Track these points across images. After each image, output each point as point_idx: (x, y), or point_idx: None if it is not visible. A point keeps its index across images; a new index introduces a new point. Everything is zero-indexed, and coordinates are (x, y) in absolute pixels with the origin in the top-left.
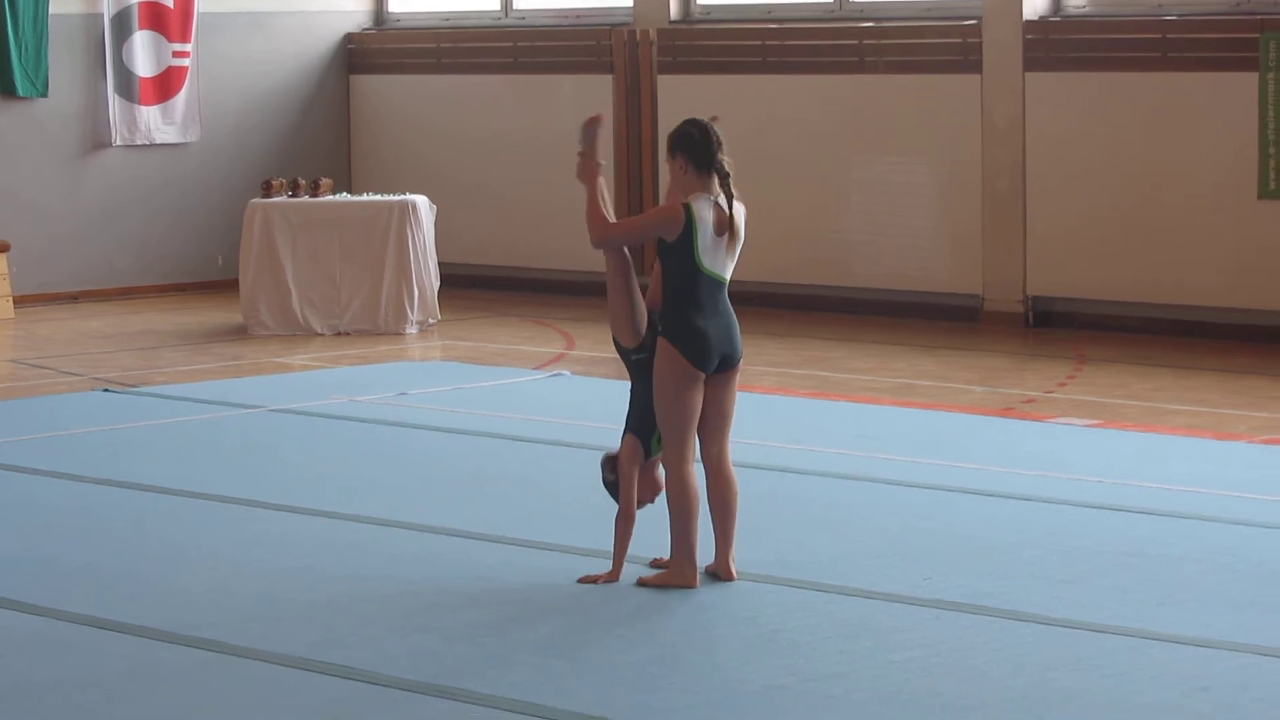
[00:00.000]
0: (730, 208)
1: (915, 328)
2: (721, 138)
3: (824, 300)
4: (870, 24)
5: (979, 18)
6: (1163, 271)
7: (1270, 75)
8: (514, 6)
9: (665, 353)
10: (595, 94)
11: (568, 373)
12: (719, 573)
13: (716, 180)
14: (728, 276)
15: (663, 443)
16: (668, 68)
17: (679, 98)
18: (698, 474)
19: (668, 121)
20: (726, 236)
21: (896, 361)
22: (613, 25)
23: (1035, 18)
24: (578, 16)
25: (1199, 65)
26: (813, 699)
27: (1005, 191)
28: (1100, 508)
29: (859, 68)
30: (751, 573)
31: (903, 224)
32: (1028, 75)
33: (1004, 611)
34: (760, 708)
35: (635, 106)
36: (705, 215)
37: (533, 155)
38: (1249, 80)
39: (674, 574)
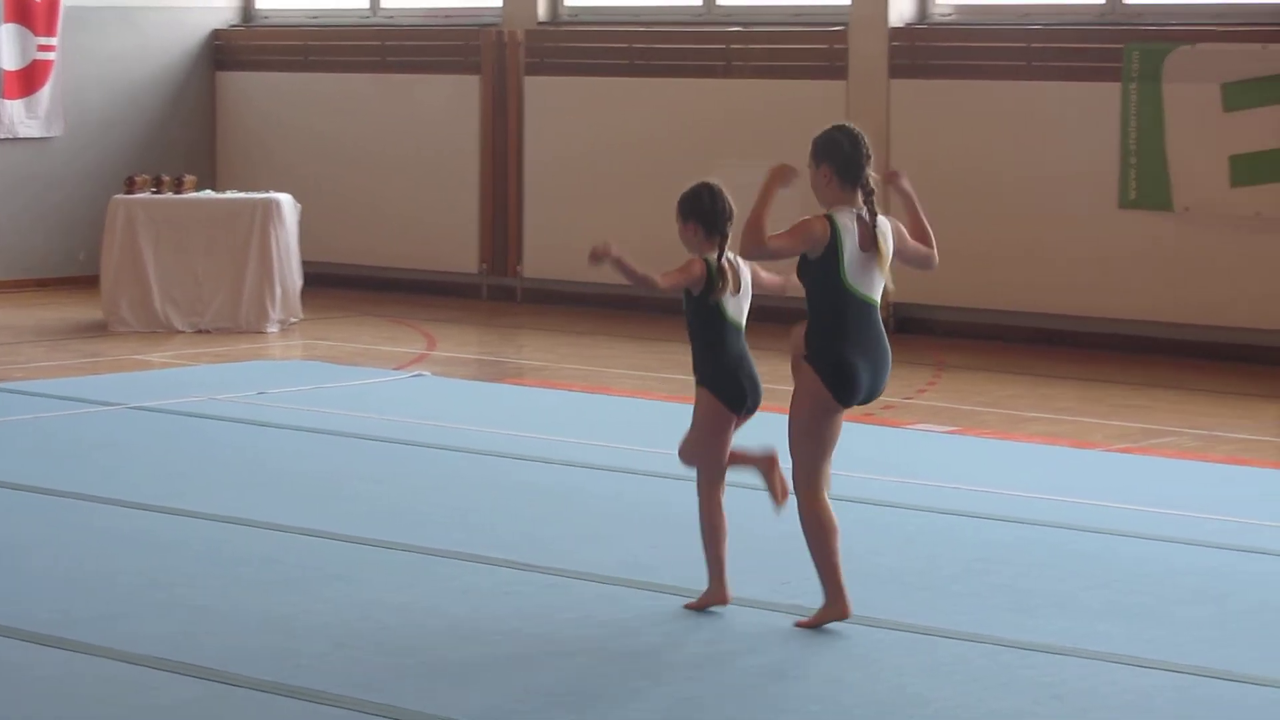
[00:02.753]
0: (874, 224)
1: (776, 333)
2: (871, 150)
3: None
4: (737, 28)
5: (845, 24)
6: (1024, 279)
7: (1133, 86)
8: (382, 5)
9: (808, 379)
10: (462, 94)
11: (428, 373)
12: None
13: (860, 195)
14: (878, 298)
15: (794, 473)
16: (535, 69)
17: (546, 99)
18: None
19: (534, 123)
20: (875, 254)
21: (758, 368)
22: (481, 25)
23: (902, 25)
24: (446, 16)
25: (1063, 75)
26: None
27: None
28: (957, 514)
29: (725, 72)
30: (601, 575)
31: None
32: (893, 83)
33: (859, 618)
34: None
35: (502, 108)
36: (851, 228)
37: (399, 155)
38: (1112, 90)
39: (827, 610)
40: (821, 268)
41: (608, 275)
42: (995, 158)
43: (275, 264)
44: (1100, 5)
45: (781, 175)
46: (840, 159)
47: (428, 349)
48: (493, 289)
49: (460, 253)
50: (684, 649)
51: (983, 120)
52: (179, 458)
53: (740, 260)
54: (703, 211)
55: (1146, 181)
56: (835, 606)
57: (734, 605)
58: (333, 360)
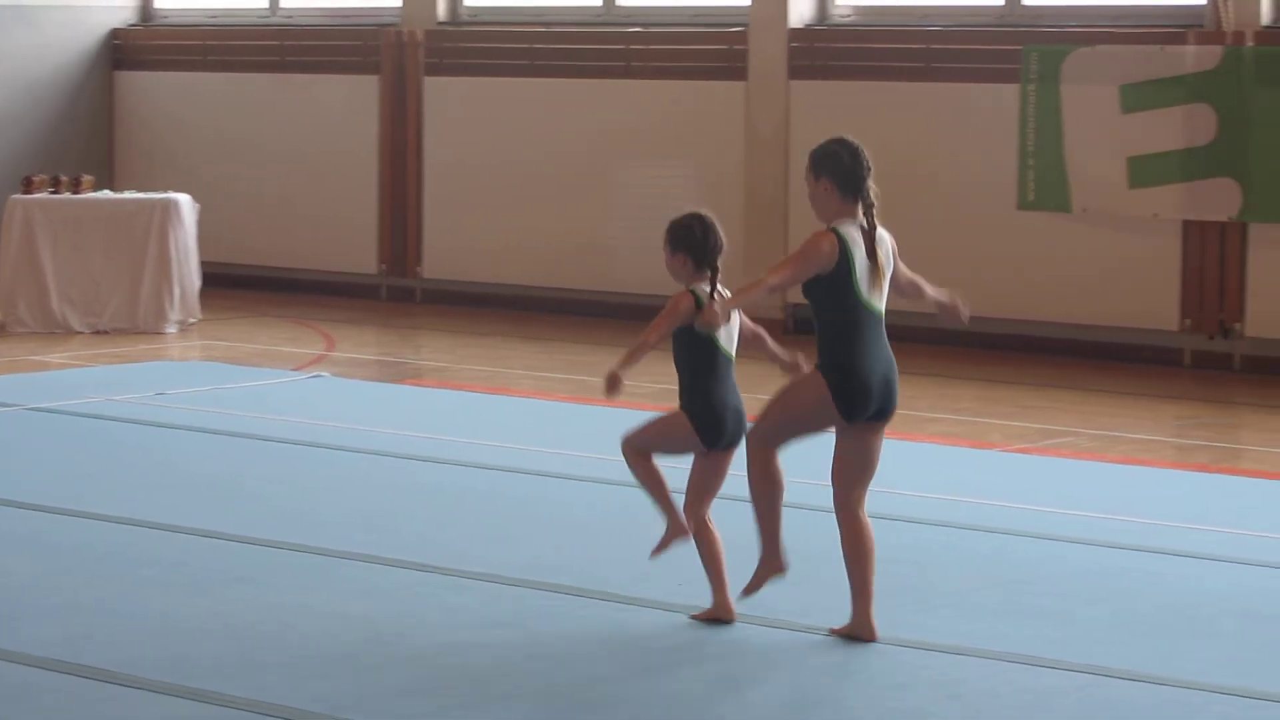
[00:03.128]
0: (873, 238)
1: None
2: (871, 162)
3: (586, 305)
4: (637, 29)
5: (745, 25)
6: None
7: (1031, 87)
8: (281, 5)
9: (815, 385)
10: (361, 95)
11: (327, 374)
12: (859, 633)
13: (861, 208)
14: (883, 310)
15: (758, 428)
16: (435, 69)
17: (446, 100)
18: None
19: (433, 123)
20: (875, 268)
21: (657, 367)
22: (380, 25)
23: (801, 26)
24: (345, 16)
25: (962, 76)
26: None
27: (768, 199)
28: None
29: (625, 73)
30: (508, 576)
31: (664, 231)
32: (793, 83)
33: (756, 618)
34: None
35: (401, 108)
36: (858, 240)
37: (298, 155)
38: (1010, 92)
39: (763, 568)
40: (834, 283)
41: (506, 275)
42: (894, 159)
43: (174, 264)
44: (999, 7)
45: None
46: (841, 172)
47: (327, 350)
48: (392, 290)
49: (359, 253)
50: (586, 646)
51: (882, 121)
52: (77, 459)
53: (728, 293)
54: (694, 244)
55: (1045, 183)
56: (774, 564)
57: (638, 607)
58: (231, 361)
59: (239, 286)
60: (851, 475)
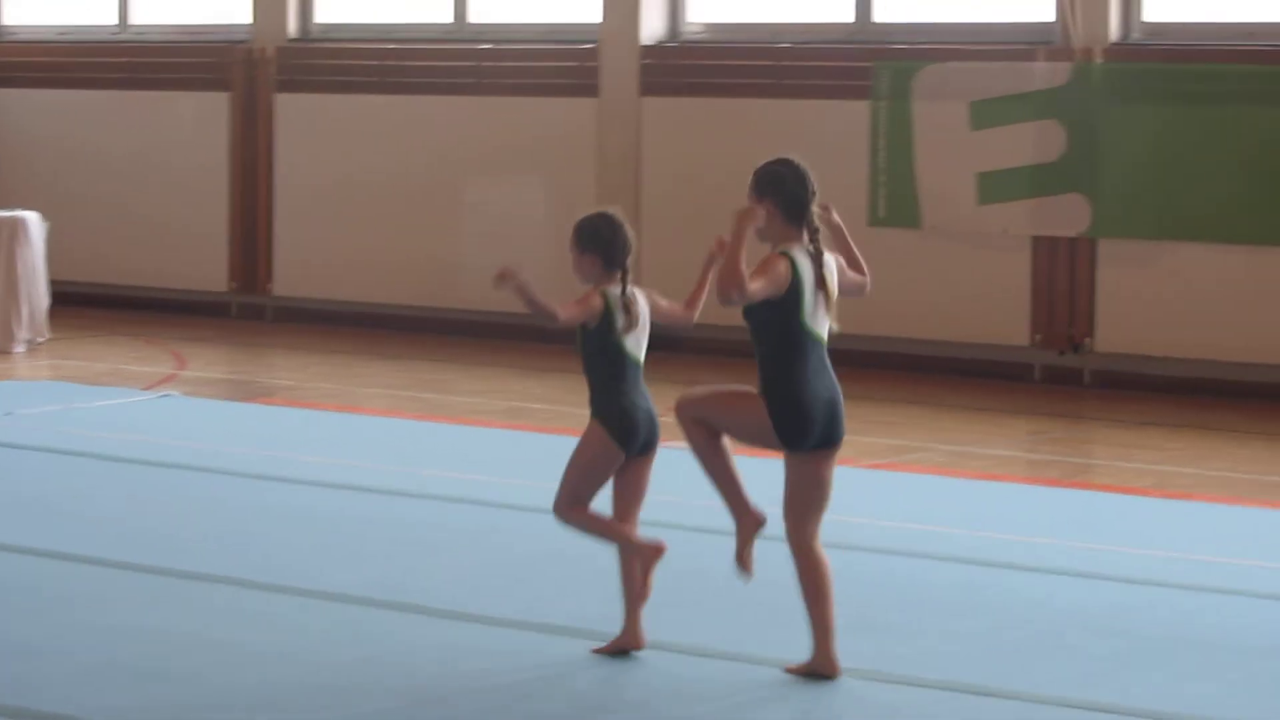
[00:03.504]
0: (822, 264)
1: (528, 351)
2: (816, 186)
3: (437, 322)
4: (489, 46)
5: (596, 42)
6: None
7: (882, 104)
8: (131, 22)
9: (758, 409)
10: (212, 111)
11: (176, 393)
12: (821, 670)
13: (806, 234)
14: (825, 336)
15: (691, 402)
16: (286, 86)
17: (297, 116)
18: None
19: (284, 142)
20: (823, 294)
21: (509, 385)
22: (231, 42)
23: (653, 43)
24: (196, 33)
25: (814, 93)
26: None
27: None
28: (700, 531)
29: (477, 89)
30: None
31: (516, 248)
32: (644, 100)
33: (597, 634)
34: None
35: (252, 125)
36: (808, 267)
37: (149, 172)
38: (861, 108)
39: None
40: (782, 309)
41: (357, 292)
42: (747, 175)
43: (21, 283)
44: (849, 24)
45: (750, 216)
46: (785, 195)
47: (177, 368)
48: (243, 307)
49: (210, 271)
50: (429, 665)
51: (733, 138)
52: None
53: (640, 294)
54: (603, 244)
55: (895, 199)
56: (746, 518)
57: (489, 626)
58: (80, 380)
59: (89, 305)
60: (802, 507)
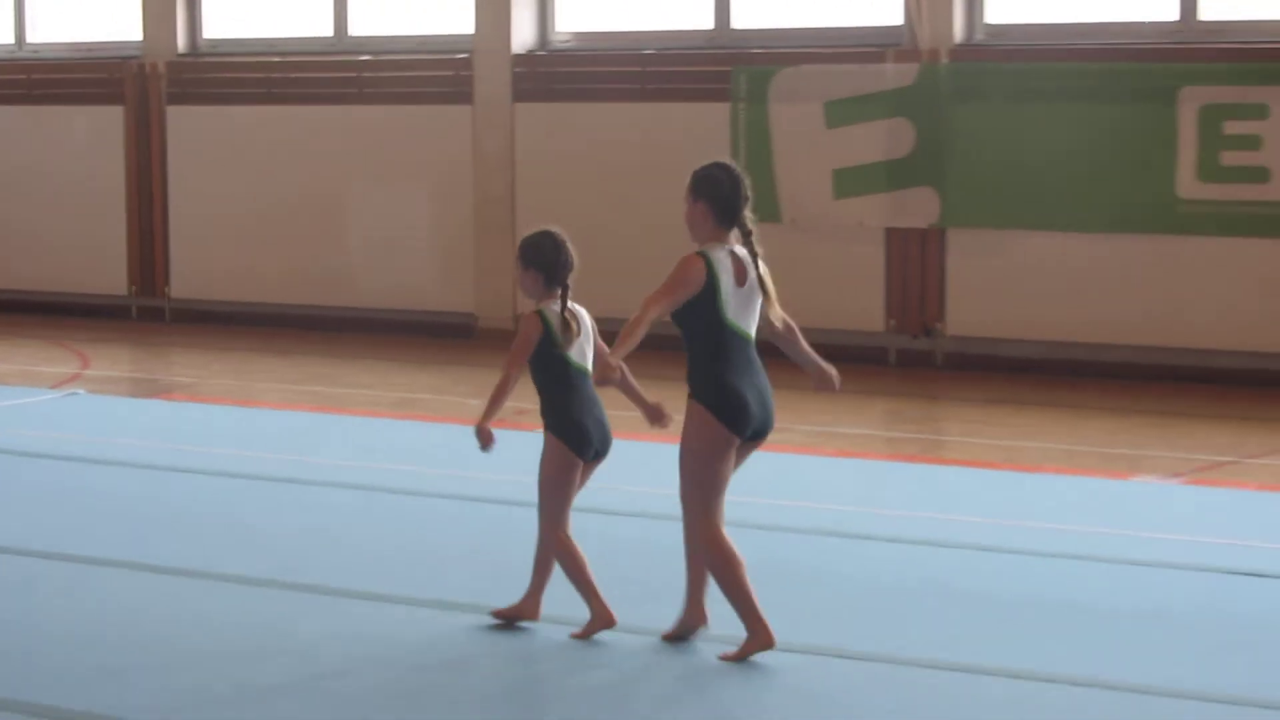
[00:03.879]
0: (757, 265)
1: (414, 344)
2: (750, 191)
3: (326, 320)
4: (368, 57)
5: (470, 52)
6: (644, 292)
7: (741, 106)
8: (28, 40)
9: (697, 416)
10: (107, 125)
11: (82, 391)
12: (759, 647)
13: (739, 235)
14: (753, 333)
15: (688, 510)
16: (177, 99)
17: (188, 128)
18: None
19: (177, 152)
20: (748, 290)
21: (396, 377)
22: (123, 58)
23: (524, 52)
24: (89, 49)
25: (676, 96)
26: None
27: (496, 217)
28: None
29: (358, 99)
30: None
31: (400, 248)
32: (517, 106)
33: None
34: None
35: (145, 137)
36: (726, 264)
37: (48, 184)
38: (722, 111)
39: (750, 642)
40: (701, 306)
41: (251, 293)
42: (616, 176)
43: None
44: (709, 30)
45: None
46: (719, 198)
47: (82, 368)
48: (142, 310)
49: (110, 275)
50: (336, 644)
51: (602, 140)
52: None
53: (580, 309)
54: (544, 261)
55: (756, 195)
56: (758, 638)
57: (393, 604)
58: None
59: None
60: (714, 494)
